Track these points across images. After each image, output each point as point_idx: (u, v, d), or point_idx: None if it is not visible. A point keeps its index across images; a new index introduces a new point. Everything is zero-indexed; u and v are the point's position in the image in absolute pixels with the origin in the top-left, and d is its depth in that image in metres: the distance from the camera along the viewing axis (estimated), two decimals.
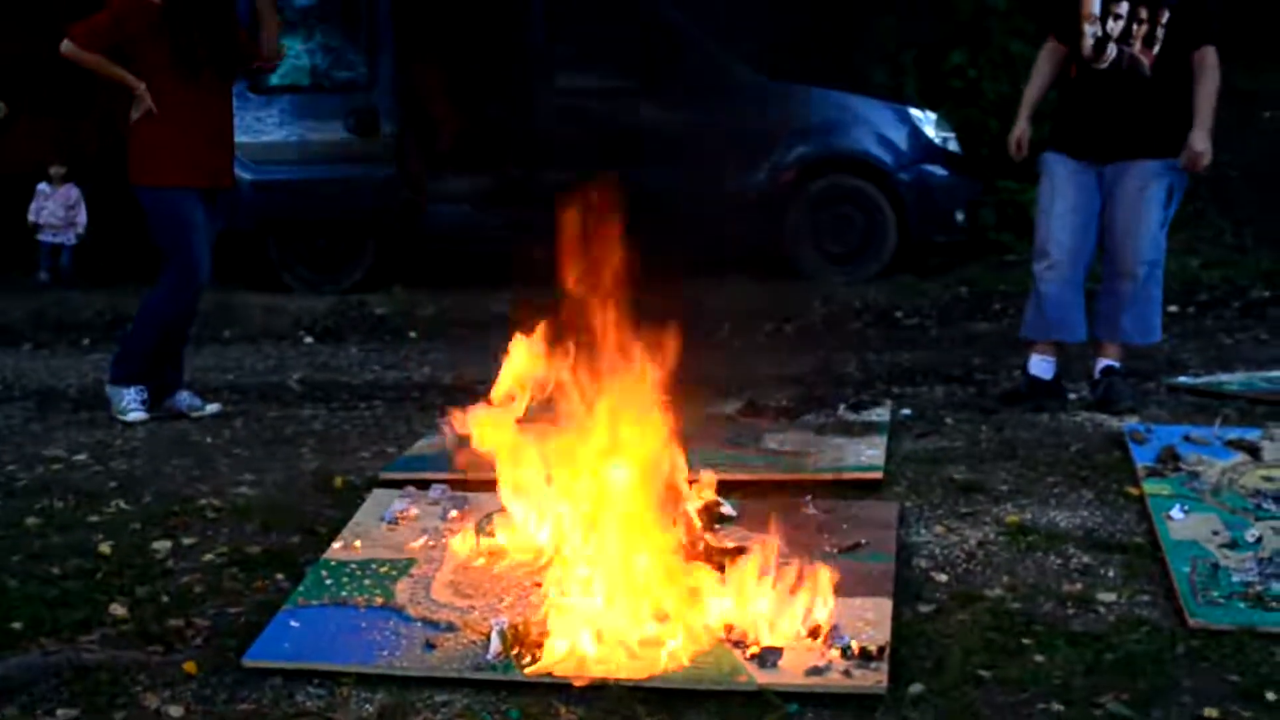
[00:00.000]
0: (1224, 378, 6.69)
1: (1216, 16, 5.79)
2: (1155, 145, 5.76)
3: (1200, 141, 5.68)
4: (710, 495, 4.26)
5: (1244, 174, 11.67)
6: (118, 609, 4.01)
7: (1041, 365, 6.06)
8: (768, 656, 3.47)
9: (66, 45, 6.06)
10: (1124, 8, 5.72)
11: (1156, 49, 5.72)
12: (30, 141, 12.13)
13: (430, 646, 3.65)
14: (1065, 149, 5.92)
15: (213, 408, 6.47)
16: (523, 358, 4.26)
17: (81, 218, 11.95)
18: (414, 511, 4.62)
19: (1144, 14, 5.71)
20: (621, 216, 3.97)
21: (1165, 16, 5.70)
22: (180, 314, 6.29)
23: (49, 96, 12.06)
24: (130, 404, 6.23)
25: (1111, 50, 5.77)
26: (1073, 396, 6.15)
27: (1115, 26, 5.74)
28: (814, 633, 3.56)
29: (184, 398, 6.43)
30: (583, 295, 3.95)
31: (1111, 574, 4.10)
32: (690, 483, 4.11)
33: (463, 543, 4.28)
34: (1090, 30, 5.78)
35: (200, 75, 6.08)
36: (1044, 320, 5.97)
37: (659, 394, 3.87)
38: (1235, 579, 3.95)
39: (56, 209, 11.95)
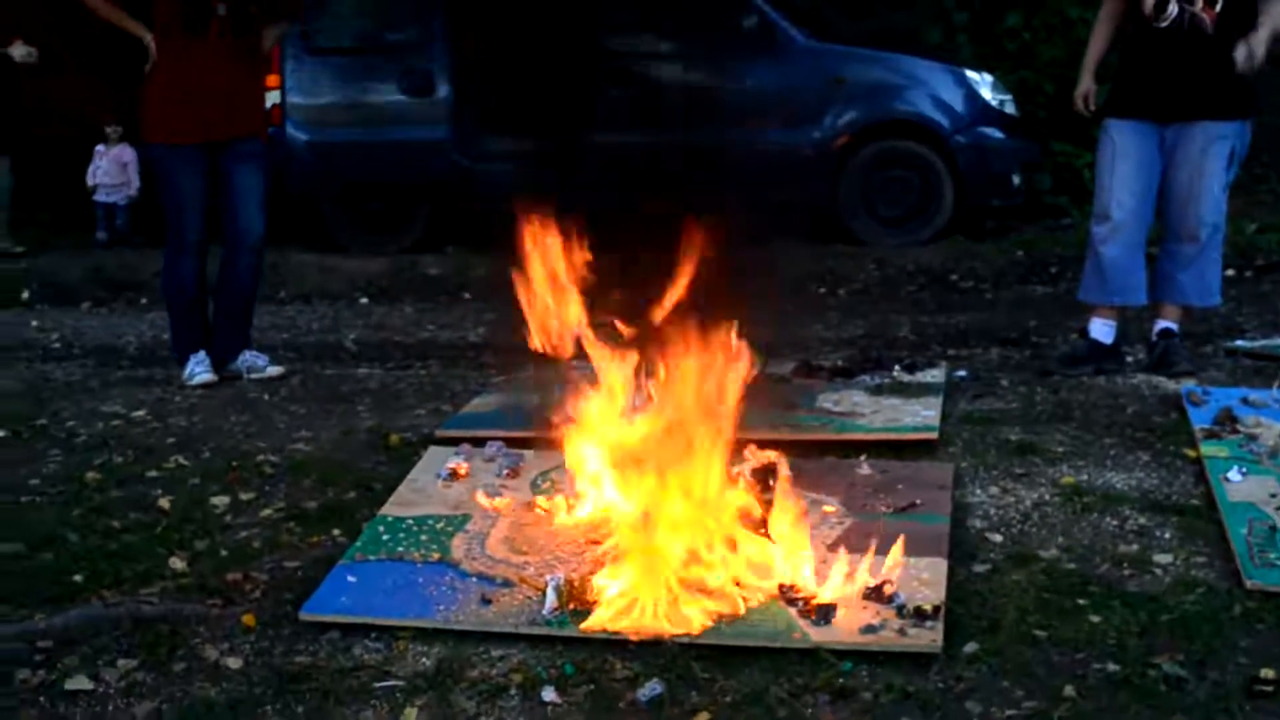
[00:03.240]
0: None
1: None
2: (1218, 106, 5.67)
3: (1260, 42, 5.51)
4: (766, 455, 4.26)
5: None
6: (177, 563, 4.05)
7: (1103, 329, 5.99)
8: (822, 614, 3.47)
9: None
10: None
11: (1219, 7, 5.62)
12: (90, 104, 12.18)
13: (486, 602, 3.67)
14: (1126, 111, 5.83)
15: (275, 370, 6.40)
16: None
17: (134, 178, 12.00)
18: (469, 468, 4.65)
19: None
20: (673, 180, 3.97)
21: None
22: (185, 278, 6.18)
23: (107, 57, 12.11)
24: (191, 371, 6.20)
25: (1173, 9, 5.66)
26: (1129, 359, 6.10)
27: None
28: (870, 592, 3.56)
29: (246, 357, 6.37)
30: (638, 262, 3.95)
31: (1168, 535, 4.08)
32: (746, 443, 4.10)
33: (518, 499, 4.30)
34: None
35: (208, 30, 5.98)
36: (1104, 283, 5.89)
37: (716, 355, 3.86)
38: None
39: (111, 168, 12.02)
